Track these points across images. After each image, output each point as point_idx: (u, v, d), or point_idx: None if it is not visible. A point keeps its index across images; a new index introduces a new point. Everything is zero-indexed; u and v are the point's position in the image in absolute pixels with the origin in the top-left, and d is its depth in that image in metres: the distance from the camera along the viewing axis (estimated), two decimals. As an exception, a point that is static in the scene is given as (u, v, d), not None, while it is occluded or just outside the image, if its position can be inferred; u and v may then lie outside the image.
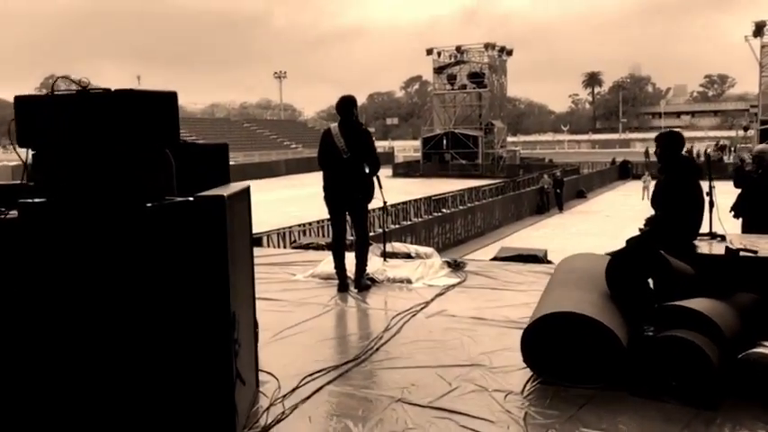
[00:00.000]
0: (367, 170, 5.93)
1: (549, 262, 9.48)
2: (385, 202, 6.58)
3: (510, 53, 55.59)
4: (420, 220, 23.00)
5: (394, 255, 7.27)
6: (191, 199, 2.87)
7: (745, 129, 45.63)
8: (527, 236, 22.08)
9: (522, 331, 4.58)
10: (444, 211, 24.95)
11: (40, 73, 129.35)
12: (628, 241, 5.44)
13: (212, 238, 2.87)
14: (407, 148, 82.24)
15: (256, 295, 5.96)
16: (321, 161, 6.11)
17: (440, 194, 26.07)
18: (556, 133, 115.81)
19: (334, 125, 6.07)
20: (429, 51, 54.46)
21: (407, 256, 7.29)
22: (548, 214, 27.09)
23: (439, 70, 54.80)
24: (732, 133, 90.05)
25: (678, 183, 4.97)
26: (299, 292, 5.98)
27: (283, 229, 17.57)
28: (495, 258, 9.21)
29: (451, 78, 54.42)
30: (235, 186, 3.40)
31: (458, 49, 53.96)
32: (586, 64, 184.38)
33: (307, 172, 52.86)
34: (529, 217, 26.13)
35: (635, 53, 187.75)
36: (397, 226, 21.84)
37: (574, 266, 4.91)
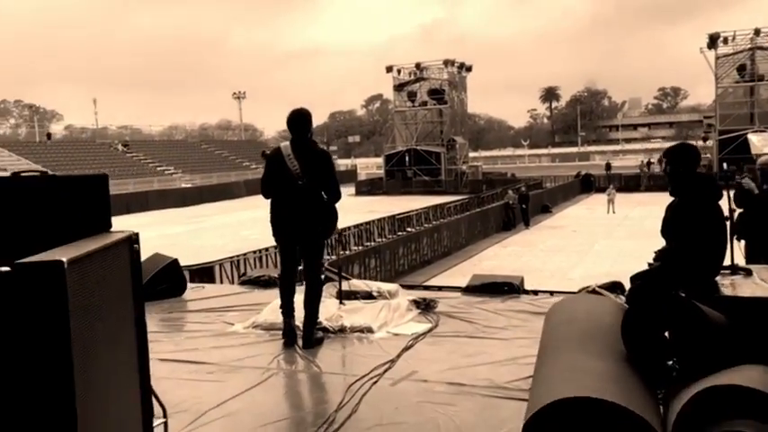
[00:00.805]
0: (325, 198, 4.99)
1: (527, 292, 8.57)
2: (339, 232, 5.53)
3: (469, 69, 55.32)
4: (384, 240, 22.03)
5: (353, 294, 6.23)
6: (6, 269, 1.82)
7: (704, 139, 45.80)
8: (495, 254, 21.26)
9: (513, 401, 3.63)
10: (409, 230, 24.05)
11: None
12: (632, 279, 4.48)
13: (42, 320, 1.82)
14: (370, 166, 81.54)
15: (181, 357, 4.94)
16: (268, 188, 5.06)
17: (404, 213, 25.16)
18: (516, 148, 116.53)
19: (284, 144, 5.04)
20: (389, 69, 53.85)
21: (368, 295, 6.25)
22: (514, 230, 26.37)
23: (399, 87, 54.21)
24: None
25: (695, 207, 4.05)
26: (234, 350, 4.88)
27: (237, 256, 16.42)
28: (467, 289, 8.25)
29: (412, 95, 53.89)
30: (106, 238, 2.34)
31: (417, 66, 53.49)
32: (543, 79, 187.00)
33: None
34: (496, 234, 25.37)
35: (589, 68, 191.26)
36: (360, 248, 20.84)
37: (574, 316, 3.93)
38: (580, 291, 6.49)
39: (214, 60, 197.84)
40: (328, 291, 6.13)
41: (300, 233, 4.95)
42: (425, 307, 5.95)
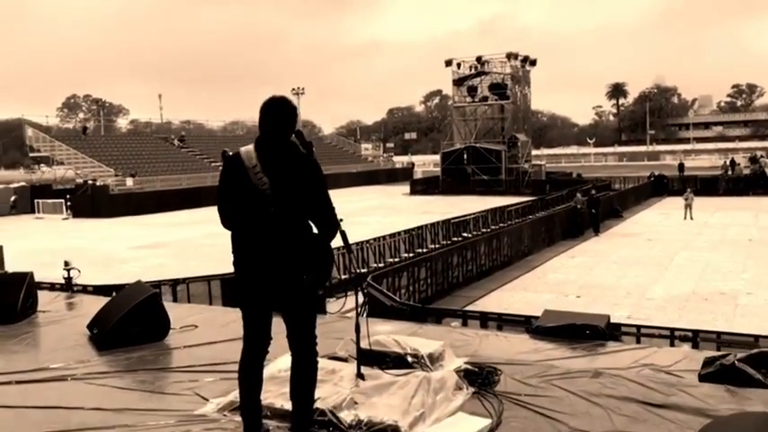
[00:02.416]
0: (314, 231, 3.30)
1: (615, 336, 6.62)
2: (356, 272, 3.80)
3: (533, 63, 52.78)
4: (437, 247, 20.17)
5: (376, 358, 4.41)
6: None
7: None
8: (561, 265, 19.11)
9: None
10: (465, 235, 22.11)
11: (63, 93, 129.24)
12: None
13: None
14: (427, 163, 79.57)
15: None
16: (226, 214, 3.37)
17: (460, 217, 23.26)
18: (580, 146, 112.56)
19: (246, 149, 3.34)
20: (448, 63, 51.81)
21: (399, 360, 4.43)
22: (582, 237, 24.07)
23: (459, 82, 52.09)
24: (766, 144, 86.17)
25: None
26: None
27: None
28: (536, 330, 6.38)
29: (472, 90, 51.70)
30: None
31: (478, 59, 51.26)
32: (608, 75, 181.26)
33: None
34: (562, 241, 23.13)
35: (658, 63, 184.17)
36: (411, 254, 19.05)
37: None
38: (705, 365, 4.55)
39: (274, 57, 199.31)
40: (344, 348, 4.39)
41: (276, 288, 3.22)
42: (482, 382, 4.12)
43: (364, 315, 4.69)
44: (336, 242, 3.26)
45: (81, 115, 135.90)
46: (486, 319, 9.40)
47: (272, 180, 3.14)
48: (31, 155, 48.38)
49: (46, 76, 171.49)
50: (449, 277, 15.96)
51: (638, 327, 8.23)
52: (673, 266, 18.10)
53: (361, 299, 4.02)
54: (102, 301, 7.21)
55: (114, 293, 7.47)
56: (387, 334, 5.00)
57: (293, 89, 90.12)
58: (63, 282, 11.34)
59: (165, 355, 5.06)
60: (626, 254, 20.52)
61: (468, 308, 14.46)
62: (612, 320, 6.99)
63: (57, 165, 47.53)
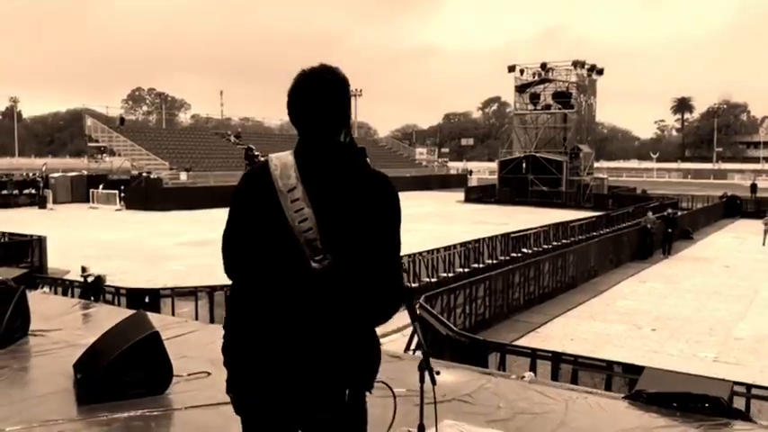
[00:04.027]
0: (368, 308, 2.03)
1: (746, 416, 5.25)
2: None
3: (601, 72, 50.65)
4: (495, 262, 18.82)
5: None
6: None
7: None
8: (631, 291, 17.52)
9: None
10: (525, 250, 20.68)
11: (128, 85, 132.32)
12: None
13: None
14: (482, 170, 77.91)
15: None
16: (236, 265, 2.10)
17: (520, 231, 21.84)
18: (641, 160, 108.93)
19: (281, 158, 2.07)
20: (511, 68, 50.15)
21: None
22: (651, 260, 22.33)
23: (521, 89, 50.37)
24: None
25: None
26: None
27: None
28: (636, 395, 5.08)
29: (534, 98, 49.90)
30: None
31: (543, 66, 49.43)
32: (671, 89, 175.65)
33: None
34: (630, 263, 21.43)
35: (724, 79, 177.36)
36: (466, 269, 17.77)
37: None
38: None
39: (333, 57, 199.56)
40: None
41: (301, 404, 1.98)
42: None
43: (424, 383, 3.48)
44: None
45: (144, 108, 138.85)
46: (559, 361, 8.10)
47: (320, 215, 1.94)
48: (89, 144, 48.83)
49: (115, 68, 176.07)
50: (508, 298, 14.63)
51: None
52: (758, 300, 16.32)
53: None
54: (122, 314, 6.24)
55: (136, 311, 6.47)
56: (453, 424, 3.78)
57: (351, 91, 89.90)
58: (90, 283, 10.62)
59: (158, 420, 3.91)
60: (701, 281, 18.77)
61: (530, 335, 13.13)
62: (731, 380, 5.63)
63: (113, 155, 47.91)
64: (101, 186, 40.91)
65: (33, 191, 40.40)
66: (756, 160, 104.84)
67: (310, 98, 2.03)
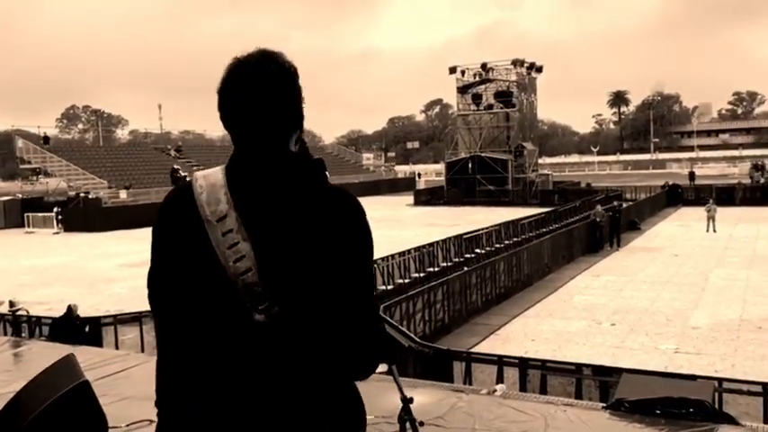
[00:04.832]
0: (343, 359, 1.54)
1: (731, 418, 5.00)
2: (415, 423, 2.18)
3: (540, 70, 51.34)
4: (450, 264, 18.59)
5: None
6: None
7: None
8: (587, 286, 17.51)
9: None
10: (478, 251, 20.52)
11: (62, 104, 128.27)
12: None
13: None
14: (429, 173, 78.14)
15: None
16: (164, 315, 1.60)
17: (473, 231, 21.69)
18: (582, 155, 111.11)
19: (208, 178, 1.56)
20: (452, 70, 50.36)
21: None
22: (602, 253, 22.49)
23: (463, 90, 50.61)
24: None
25: None
26: None
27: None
28: (617, 405, 4.79)
29: (477, 98, 50.18)
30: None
31: (483, 66, 49.78)
32: (607, 83, 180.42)
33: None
34: (581, 257, 21.51)
35: (656, 71, 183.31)
36: (422, 274, 17.48)
37: None
38: None
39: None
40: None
41: None
42: None
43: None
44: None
45: (80, 126, 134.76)
46: (526, 367, 7.82)
47: (262, 250, 1.47)
48: (21, 167, 46.84)
49: (46, 86, 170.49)
50: (466, 301, 14.36)
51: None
52: (710, 287, 16.50)
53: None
54: (58, 352, 5.64)
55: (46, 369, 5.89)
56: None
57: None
58: (23, 317, 9.84)
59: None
60: (654, 272, 18.93)
61: (491, 338, 12.89)
62: (711, 379, 5.40)
63: (49, 176, 46.10)
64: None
65: (-38, 218, 38.46)
66: (691, 149, 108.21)
67: (247, 95, 1.53)
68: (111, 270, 22.10)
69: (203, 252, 1.48)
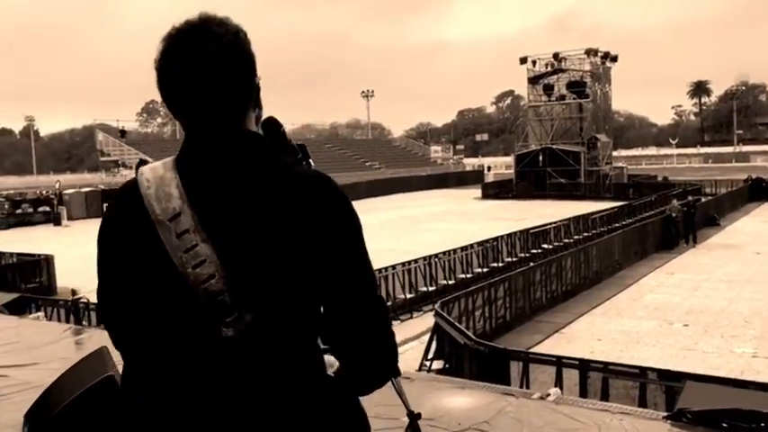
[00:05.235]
0: (332, 371, 1.37)
1: None
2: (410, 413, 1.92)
3: (615, 59, 49.74)
4: (514, 260, 18.15)
5: None
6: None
7: None
8: (659, 284, 16.74)
9: None
10: (545, 246, 19.97)
11: (142, 98, 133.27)
12: None
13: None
14: (499, 165, 77.03)
15: None
16: (117, 329, 1.40)
17: (539, 227, 21.12)
18: (660, 147, 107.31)
19: (156, 170, 1.34)
20: (523, 60, 49.34)
21: None
22: (677, 250, 21.49)
23: (534, 80, 49.55)
24: None
25: None
26: None
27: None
28: (680, 415, 4.43)
29: (548, 89, 49.03)
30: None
31: (555, 56, 48.57)
32: (687, 73, 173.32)
33: (388, 194, 48.92)
34: (655, 254, 20.60)
35: (739, 61, 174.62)
36: (485, 269, 17.12)
37: None
38: None
39: (345, 59, 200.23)
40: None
41: None
42: None
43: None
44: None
45: (159, 120, 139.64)
46: (586, 369, 7.45)
47: (226, 251, 1.26)
48: (102, 159, 48.85)
49: (129, 82, 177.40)
50: (530, 298, 13.94)
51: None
52: (796, 287, 15.48)
53: None
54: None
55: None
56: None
57: (362, 92, 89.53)
58: (85, 305, 10.08)
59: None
60: (733, 270, 17.93)
61: (555, 336, 12.45)
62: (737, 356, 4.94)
63: (128, 168, 47.88)
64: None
65: (48, 208, 40.33)
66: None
67: (191, 68, 1.28)
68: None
69: (156, 259, 1.27)
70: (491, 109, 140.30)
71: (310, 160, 1.52)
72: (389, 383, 1.80)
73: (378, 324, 1.33)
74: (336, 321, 1.31)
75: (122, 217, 1.36)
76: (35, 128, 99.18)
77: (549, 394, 5.48)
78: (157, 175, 1.32)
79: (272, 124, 1.48)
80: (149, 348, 1.32)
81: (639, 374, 7.11)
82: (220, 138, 1.32)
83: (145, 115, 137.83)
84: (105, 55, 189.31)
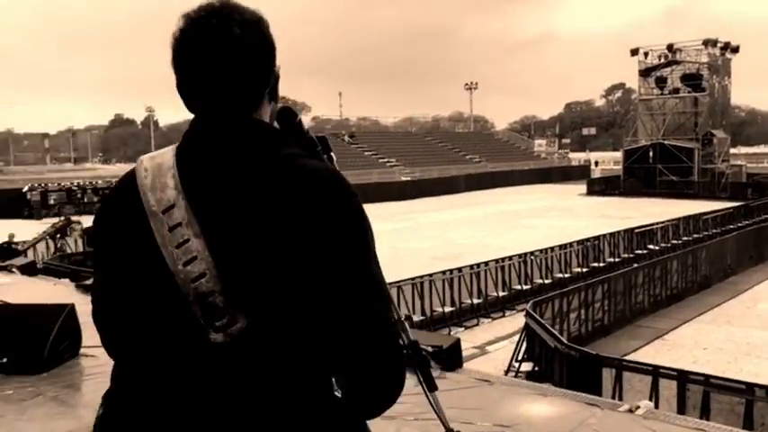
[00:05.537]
0: (339, 394, 1.21)
1: None
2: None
3: (735, 50, 46.63)
4: (617, 261, 17.41)
5: None
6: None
7: None
8: (776, 292, 15.57)
9: None
10: (651, 247, 19.03)
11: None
12: None
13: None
14: (606, 161, 74.20)
15: None
16: (107, 332, 1.31)
17: (645, 226, 20.15)
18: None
19: (154, 160, 1.25)
20: (634, 52, 47.20)
21: None
22: (799, 255, 19.90)
23: (645, 73, 47.27)
24: None
25: None
26: None
27: (421, 278, 13.10)
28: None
29: (661, 82, 46.68)
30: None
31: (669, 47, 46.13)
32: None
33: (489, 188, 48.28)
34: (772, 259, 19.23)
35: None
36: (584, 269, 16.54)
37: None
38: None
39: (449, 52, 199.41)
40: None
41: None
42: None
43: None
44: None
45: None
46: (685, 381, 7.00)
47: (219, 248, 1.16)
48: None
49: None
50: (631, 301, 13.32)
51: None
52: None
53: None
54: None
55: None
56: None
57: (466, 84, 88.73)
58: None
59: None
60: None
61: (656, 343, 11.84)
62: None
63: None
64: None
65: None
66: None
67: (211, 50, 1.21)
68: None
69: (148, 254, 1.17)
70: (600, 102, 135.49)
71: (332, 154, 1.43)
72: (426, 398, 1.67)
73: (379, 342, 1.19)
74: (334, 337, 1.17)
75: (117, 209, 1.28)
76: (155, 118, 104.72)
77: (638, 407, 5.16)
78: (155, 163, 1.23)
79: (287, 114, 1.39)
80: (136, 352, 1.23)
81: (745, 391, 6.60)
82: (223, 125, 1.24)
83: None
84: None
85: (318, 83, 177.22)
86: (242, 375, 1.15)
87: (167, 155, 1.24)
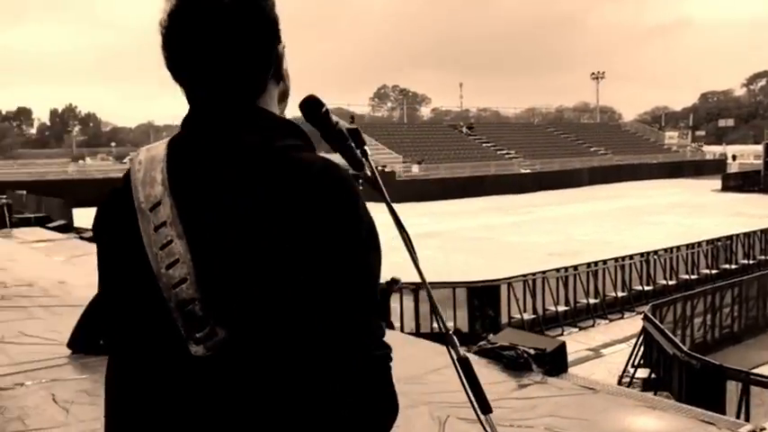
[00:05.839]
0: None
1: None
2: None
3: None
4: (752, 264, 16.11)
5: None
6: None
7: None
8: None
9: None
10: (761, 258, 17.14)
11: (373, 83, 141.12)
12: None
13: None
14: (746, 154, 68.99)
15: None
16: (115, 349, 1.17)
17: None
18: None
19: (149, 150, 1.14)
20: (780, 35, 43.45)
21: None
22: None
23: (793, 58, 43.41)
24: None
25: None
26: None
27: (535, 274, 12.68)
28: None
29: (812, 68, 42.69)
30: None
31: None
32: None
33: (614, 182, 46.28)
34: None
35: None
36: (714, 271, 15.42)
37: None
38: None
39: (573, 40, 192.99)
40: None
41: None
42: None
43: None
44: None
45: (389, 104, 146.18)
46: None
47: (201, 252, 1.03)
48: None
49: (363, 67, 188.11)
50: (766, 308, 12.27)
51: None
52: None
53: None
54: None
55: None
56: None
57: (592, 73, 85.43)
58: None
59: None
60: None
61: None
62: None
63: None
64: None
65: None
66: None
67: (204, 26, 1.09)
68: (391, 241, 23.42)
69: (136, 255, 1.06)
70: (740, 92, 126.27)
71: (366, 148, 1.30)
72: (479, 421, 1.52)
73: (366, 360, 1.05)
74: (315, 353, 1.03)
75: (112, 206, 1.17)
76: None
77: (764, 428, 4.71)
78: (149, 156, 1.13)
79: (313, 104, 1.26)
80: (124, 360, 1.15)
81: None
82: (218, 113, 1.12)
83: (376, 99, 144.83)
84: (342, 42, 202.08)
85: (439, 74, 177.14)
86: (223, 392, 1.04)
87: (161, 146, 1.14)
